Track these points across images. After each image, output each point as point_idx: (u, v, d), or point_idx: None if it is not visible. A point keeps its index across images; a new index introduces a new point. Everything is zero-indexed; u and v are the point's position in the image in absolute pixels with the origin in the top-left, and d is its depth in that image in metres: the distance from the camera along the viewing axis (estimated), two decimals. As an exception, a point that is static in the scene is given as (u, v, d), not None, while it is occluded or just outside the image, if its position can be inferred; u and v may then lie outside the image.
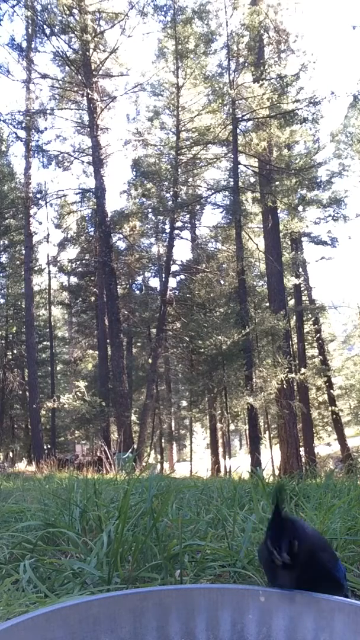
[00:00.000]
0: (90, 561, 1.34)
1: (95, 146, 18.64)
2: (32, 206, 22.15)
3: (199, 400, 21.45)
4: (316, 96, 18.41)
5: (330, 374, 26.00)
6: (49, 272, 24.81)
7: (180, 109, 19.79)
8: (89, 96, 18.49)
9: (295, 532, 0.78)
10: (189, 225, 24.81)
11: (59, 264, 24.41)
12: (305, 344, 26.25)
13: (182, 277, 23.05)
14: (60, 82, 21.00)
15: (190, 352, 21.11)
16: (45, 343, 26.69)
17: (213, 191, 22.75)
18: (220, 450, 24.86)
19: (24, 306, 23.67)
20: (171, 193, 20.31)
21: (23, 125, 19.84)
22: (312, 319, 26.62)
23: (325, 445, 29.54)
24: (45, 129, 21.11)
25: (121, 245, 23.91)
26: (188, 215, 23.94)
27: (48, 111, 20.98)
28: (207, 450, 32.91)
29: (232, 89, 19.07)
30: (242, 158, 21.12)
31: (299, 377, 17.68)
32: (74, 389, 20.93)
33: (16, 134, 20.36)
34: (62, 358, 30.87)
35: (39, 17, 17.86)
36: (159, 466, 25.58)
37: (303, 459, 17.43)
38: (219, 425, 22.48)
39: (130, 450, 14.38)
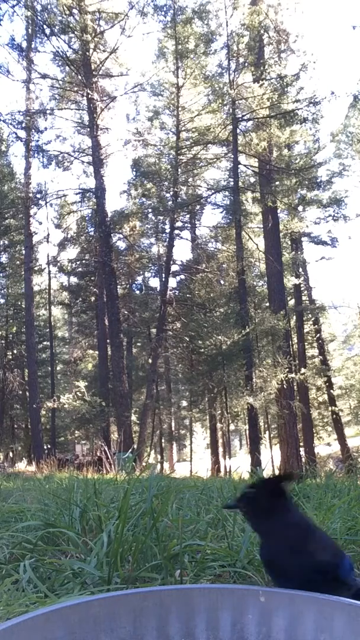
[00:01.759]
0: (90, 561, 1.34)
1: (95, 146, 18.64)
2: (32, 206, 22.14)
3: (199, 400, 21.46)
4: (316, 96, 18.43)
5: (330, 374, 25.99)
6: (49, 272, 24.83)
7: (180, 109, 19.79)
8: (89, 96, 18.48)
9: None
10: (189, 225, 24.81)
11: (59, 264, 24.41)
12: (305, 344, 26.25)
13: (182, 277, 23.05)
14: (60, 82, 21.00)
15: (190, 352, 21.11)
16: (45, 343, 26.69)
17: (213, 191, 22.75)
18: (220, 450, 24.85)
19: (24, 306, 23.66)
20: (171, 193, 20.31)
21: (23, 125, 19.83)
22: (312, 319, 26.61)
23: (325, 445, 29.53)
24: (45, 129, 21.12)
25: (121, 245, 23.92)
26: (188, 215, 23.94)
27: (48, 111, 20.99)
28: (207, 450, 32.91)
29: (232, 89, 19.07)
30: (242, 158, 21.12)
31: (299, 377, 17.67)
32: (74, 389, 20.93)
33: (16, 134, 20.38)
34: (62, 358, 30.86)
35: (39, 17, 17.85)
36: (159, 466, 25.58)
37: (303, 459, 17.43)
38: (219, 425, 22.47)
39: (130, 450, 14.38)
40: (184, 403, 30.02)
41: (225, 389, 17.71)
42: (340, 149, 24.56)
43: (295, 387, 19.21)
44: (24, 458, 23.44)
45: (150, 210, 22.86)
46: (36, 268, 24.30)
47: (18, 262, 25.47)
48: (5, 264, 26.19)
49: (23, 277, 23.70)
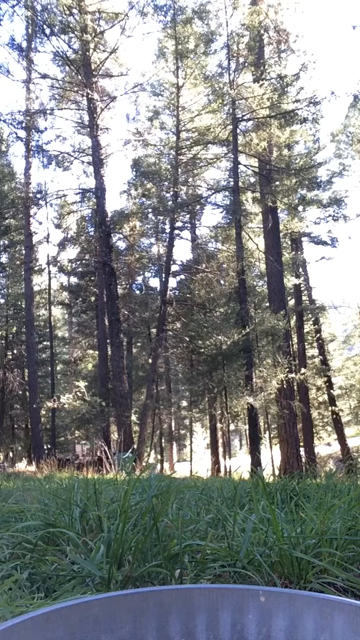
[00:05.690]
0: (91, 561, 1.34)
1: (95, 146, 18.64)
2: (32, 206, 22.16)
3: (199, 400, 21.46)
4: (316, 96, 18.42)
5: (330, 374, 26.00)
6: (49, 272, 24.84)
7: (180, 109, 19.79)
8: (89, 96, 18.48)
9: None
10: (189, 225, 24.81)
11: (59, 264, 24.42)
12: (305, 344, 26.25)
13: (182, 277, 23.05)
14: (60, 82, 21.00)
15: (190, 352, 21.11)
16: (45, 343, 26.71)
17: (213, 191, 22.76)
18: (220, 450, 24.86)
19: (24, 306, 23.68)
20: (171, 193, 20.31)
21: (23, 125, 19.84)
22: (312, 319, 26.62)
23: (325, 445, 29.55)
24: (45, 129, 21.15)
25: (121, 245, 23.93)
26: (188, 215, 23.95)
27: (48, 111, 21.00)
28: (207, 450, 32.92)
29: (232, 89, 19.07)
30: (242, 158, 21.11)
31: (299, 377, 17.67)
32: (74, 389, 20.93)
33: (16, 134, 20.38)
34: (62, 358, 30.88)
35: (39, 17, 17.85)
36: (159, 466, 25.58)
37: (303, 459, 17.44)
38: (219, 425, 22.48)
39: (130, 450, 14.37)
40: (184, 403, 30.02)
41: (225, 389, 17.71)
42: (340, 149, 24.58)
43: (295, 387, 19.21)
44: (24, 458, 23.46)
45: (150, 210, 22.87)
46: (36, 268, 24.31)
47: (18, 262, 25.50)
48: (5, 264, 26.21)
49: (23, 277, 23.72)
